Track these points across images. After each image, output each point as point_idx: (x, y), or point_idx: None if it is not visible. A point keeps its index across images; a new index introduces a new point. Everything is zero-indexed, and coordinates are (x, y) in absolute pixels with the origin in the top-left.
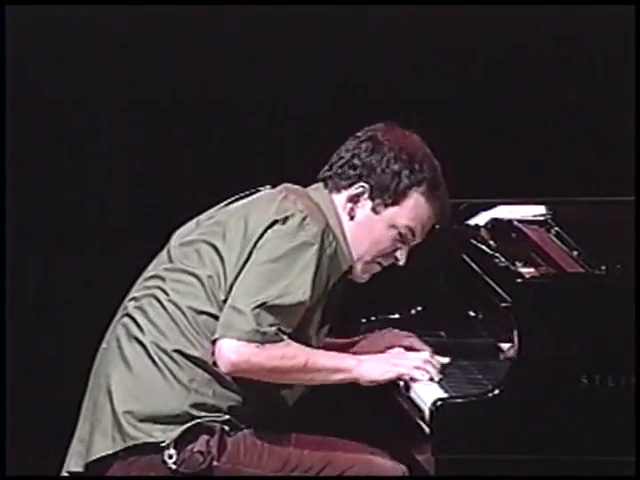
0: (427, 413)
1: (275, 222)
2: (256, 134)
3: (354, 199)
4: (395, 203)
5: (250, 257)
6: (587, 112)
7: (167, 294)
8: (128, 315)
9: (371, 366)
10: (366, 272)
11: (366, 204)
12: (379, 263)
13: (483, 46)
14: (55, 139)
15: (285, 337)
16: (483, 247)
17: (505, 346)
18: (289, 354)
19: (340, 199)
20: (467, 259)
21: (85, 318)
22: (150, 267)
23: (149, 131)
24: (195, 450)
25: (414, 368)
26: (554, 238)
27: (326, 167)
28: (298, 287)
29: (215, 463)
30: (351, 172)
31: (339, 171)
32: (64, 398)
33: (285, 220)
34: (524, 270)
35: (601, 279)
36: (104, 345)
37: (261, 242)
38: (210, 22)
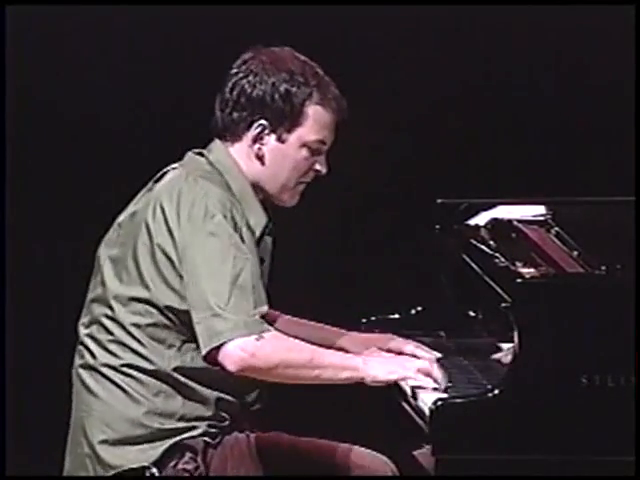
0: (427, 413)
1: (187, 214)
2: None
3: (257, 139)
4: (296, 125)
5: (173, 259)
6: (587, 112)
7: (110, 319)
8: (82, 343)
9: (377, 366)
10: (294, 196)
11: (270, 138)
12: (303, 182)
13: (483, 46)
14: (55, 138)
15: (270, 327)
16: (483, 247)
17: (505, 346)
18: (295, 347)
19: (243, 146)
20: (467, 259)
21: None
22: (90, 286)
23: (151, 130)
24: (179, 467)
25: (420, 373)
26: (554, 238)
27: (214, 120)
28: (244, 257)
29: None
30: (244, 114)
31: (231, 118)
32: (64, 398)
33: (193, 211)
34: (524, 270)
35: (601, 279)
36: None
37: (182, 241)
38: (209, 22)
